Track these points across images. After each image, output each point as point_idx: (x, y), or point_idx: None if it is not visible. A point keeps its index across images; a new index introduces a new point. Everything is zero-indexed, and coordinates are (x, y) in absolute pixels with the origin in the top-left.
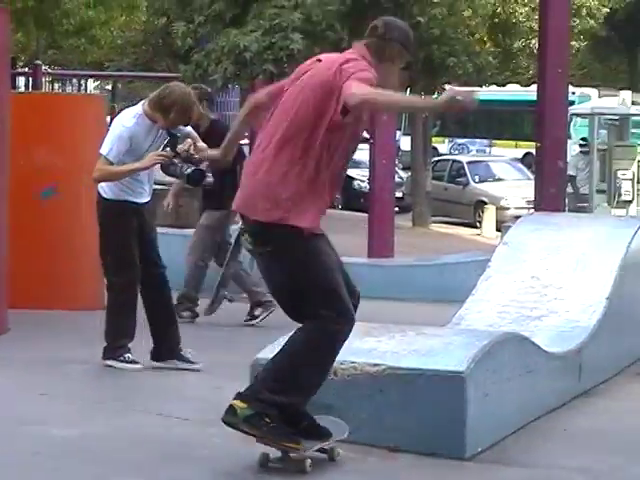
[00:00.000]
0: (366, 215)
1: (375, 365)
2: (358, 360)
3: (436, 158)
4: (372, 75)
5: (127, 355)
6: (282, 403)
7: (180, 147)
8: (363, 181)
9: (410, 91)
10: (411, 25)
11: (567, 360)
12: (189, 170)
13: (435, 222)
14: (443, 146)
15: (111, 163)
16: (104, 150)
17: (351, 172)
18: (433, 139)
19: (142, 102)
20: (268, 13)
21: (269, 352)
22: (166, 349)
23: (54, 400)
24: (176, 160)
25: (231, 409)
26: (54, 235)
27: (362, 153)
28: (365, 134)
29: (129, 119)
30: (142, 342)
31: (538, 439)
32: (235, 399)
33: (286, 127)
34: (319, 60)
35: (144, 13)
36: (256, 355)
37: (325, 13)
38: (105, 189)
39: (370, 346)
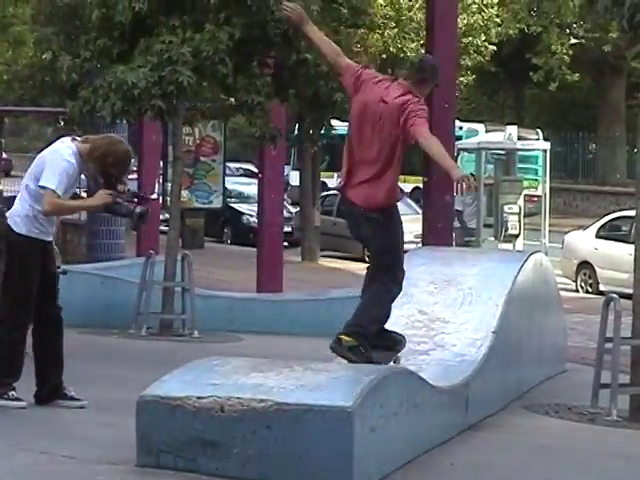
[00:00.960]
0: (255, 250)
1: (262, 401)
2: (244, 396)
3: (325, 193)
4: (426, 111)
5: (11, 393)
6: (372, 331)
7: (121, 187)
8: (252, 216)
9: (299, 125)
10: (298, 61)
11: (454, 394)
12: (139, 209)
13: (324, 257)
14: (332, 181)
15: (58, 197)
16: (51, 183)
17: (240, 207)
18: (322, 174)
19: (70, 139)
20: (156, 48)
21: (156, 389)
22: (49, 390)
23: None
24: (120, 200)
25: (338, 340)
26: None
27: (251, 187)
28: (254, 169)
29: (70, 155)
30: (27, 380)
31: (426, 474)
32: (341, 333)
33: (385, 151)
34: (384, 102)
35: (31, 48)
36: (143, 392)
37: (215, 48)
38: (19, 224)
39: (257, 381)
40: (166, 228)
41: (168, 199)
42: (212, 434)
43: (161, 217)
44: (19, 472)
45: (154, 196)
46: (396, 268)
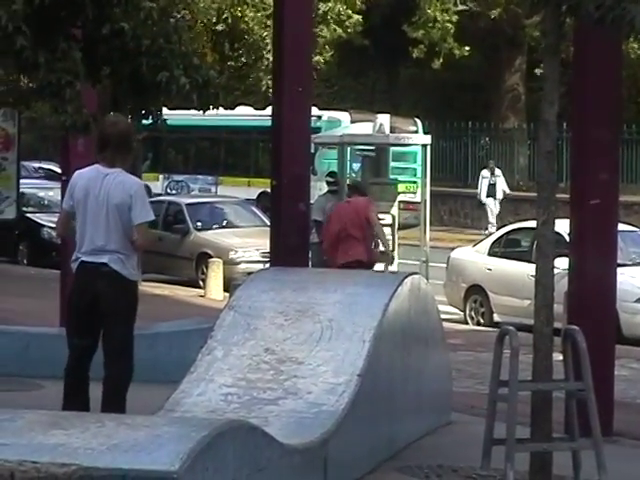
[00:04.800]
0: (58, 272)
1: (64, 465)
2: (41, 459)
3: (150, 199)
4: None
5: None
6: None
7: None
8: (54, 228)
9: (117, 112)
10: (113, 32)
11: (309, 454)
12: None
13: (146, 280)
14: (157, 184)
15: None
16: (150, 216)
17: (39, 217)
18: (144, 175)
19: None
20: None
21: None
22: None
23: None
24: None
25: None
26: None
27: (53, 193)
28: (57, 169)
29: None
30: None
31: None
32: None
33: None
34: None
35: None
36: None
37: (10, 14)
38: (130, 270)
39: (58, 441)
40: None
41: None
42: None
43: None
44: None
45: None
46: None
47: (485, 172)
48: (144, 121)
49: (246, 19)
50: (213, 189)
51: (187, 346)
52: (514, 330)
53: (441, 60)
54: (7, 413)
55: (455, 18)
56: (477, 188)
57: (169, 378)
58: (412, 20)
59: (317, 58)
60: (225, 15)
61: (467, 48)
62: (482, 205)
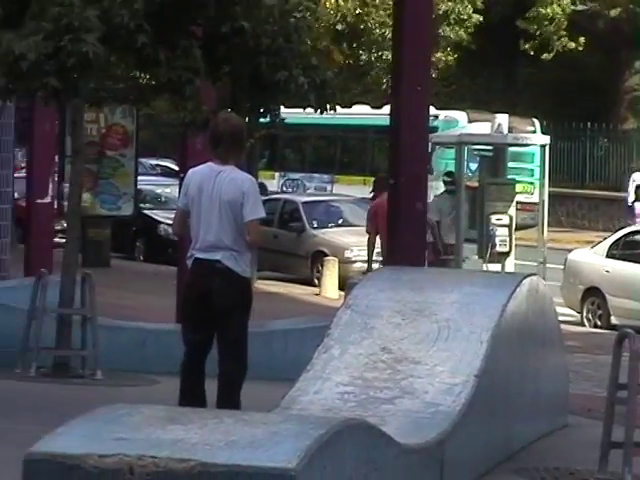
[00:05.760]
0: (174, 269)
1: (182, 461)
2: (160, 454)
3: (263, 197)
4: None
5: None
6: None
7: None
8: (171, 225)
9: (233, 112)
10: (233, 31)
11: (426, 454)
12: None
13: (262, 278)
14: (273, 182)
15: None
16: (261, 213)
17: (156, 214)
18: (260, 173)
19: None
20: (52, 11)
21: (48, 444)
22: None
23: None
24: None
25: None
26: None
27: (170, 190)
28: (174, 166)
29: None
30: None
31: None
32: None
33: None
34: None
35: None
36: (30, 448)
37: (133, 12)
38: (243, 267)
39: (176, 436)
40: (63, 240)
41: (65, 204)
42: None
43: (57, 227)
44: None
45: (47, 200)
46: None
47: (636, 175)
48: (261, 119)
49: (366, 18)
50: (329, 187)
51: (302, 344)
52: (633, 333)
53: (553, 53)
54: (125, 408)
55: (569, 10)
56: (594, 190)
57: (284, 376)
58: (526, 15)
59: (437, 57)
60: (345, 15)
61: (582, 39)
62: (629, 208)
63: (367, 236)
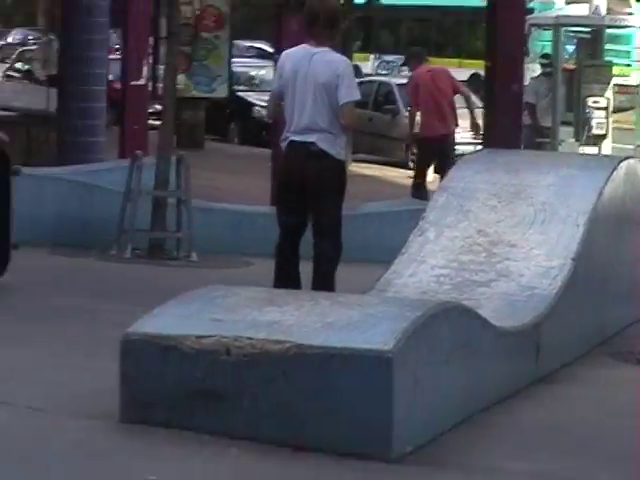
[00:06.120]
0: (268, 151)
1: (278, 342)
2: (257, 335)
3: (358, 80)
4: None
5: None
6: None
7: None
8: (265, 107)
9: None
10: None
11: (522, 337)
12: None
13: (357, 161)
14: (367, 65)
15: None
16: (356, 96)
17: (250, 96)
18: (355, 56)
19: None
20: None
21: (145, 325)
22: None
23: None
24: None
25: None
26: None
27: (264, 72)
28: (269, 48)
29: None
30: None
31: (481, 436)
32: None
33: None
34: None
35: None
36: (127, 329)
37: None
38: (338, 149)
39: (272, 318)
40: (157, 123)
41: (159, 86)
42: (215, 383)
43: (150, 109)
44: None
45: (142, 82)
46: None
47: None
48: (356, 1)
49: None
50: None
51: (397, 227)
52: None
53: None
54: (221, 289)
55: None
56: None
57: (378, 258)
58: None
59: None
60: None
61: None
62: None
63: (463, 119)
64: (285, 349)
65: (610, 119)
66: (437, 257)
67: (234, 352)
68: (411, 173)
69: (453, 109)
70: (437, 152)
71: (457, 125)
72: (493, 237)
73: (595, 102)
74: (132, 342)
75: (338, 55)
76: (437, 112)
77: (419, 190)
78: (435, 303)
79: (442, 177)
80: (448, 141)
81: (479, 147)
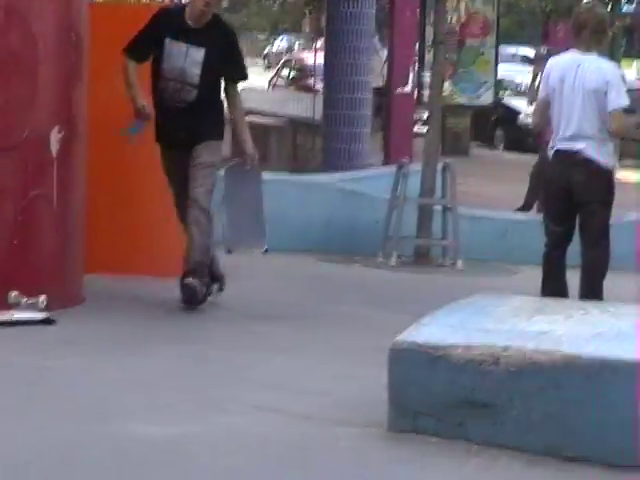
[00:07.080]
0: (535, 158)
1: (547, 352)
2: (526, 346)
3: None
4: None
5: None
6: None
7: None
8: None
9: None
10: None
11: None
12: None
13: (624, 167)
14: (630, 72)
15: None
16: (624, 102)
17: (515, 103)
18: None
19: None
20: None
21: (414, 334)
22: None
23: (134, 388)
24: None
25: None
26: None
27: (529, 78)
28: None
29: None
30: None
31: None
32: None
33: None
34: None
35: None
36: (396, 338)
37: None
38: (605, 157)
39: (541, 328)
40: (422, 130)
41: (424, 93)
42: (484, 393)
43: (416, 116)
44: (232, 430)
45: (407, 89)
46: None
47: None
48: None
49: None
50: None
51: None
52: None
53: None
54: (490, 298)
55: None
56: None
57: None
58: None
59: None
60: None
61: None
62: None
63: None
64: (555, 359)
65: None
66: None
67: (503, 361)
68: None
69: None
70: None
71: None
72: None
73: None
74: (401, 351)
75: (607, 62)
76: None
77: None
78: None
79: None
80: None
81: None
